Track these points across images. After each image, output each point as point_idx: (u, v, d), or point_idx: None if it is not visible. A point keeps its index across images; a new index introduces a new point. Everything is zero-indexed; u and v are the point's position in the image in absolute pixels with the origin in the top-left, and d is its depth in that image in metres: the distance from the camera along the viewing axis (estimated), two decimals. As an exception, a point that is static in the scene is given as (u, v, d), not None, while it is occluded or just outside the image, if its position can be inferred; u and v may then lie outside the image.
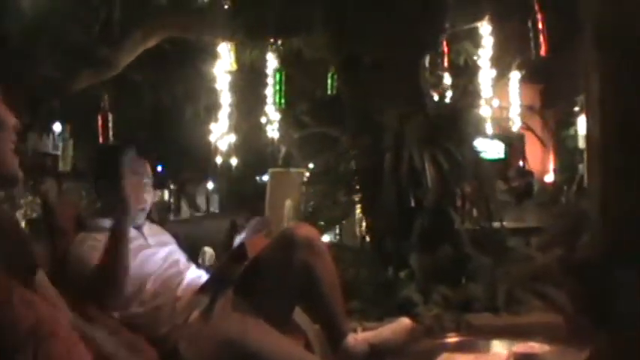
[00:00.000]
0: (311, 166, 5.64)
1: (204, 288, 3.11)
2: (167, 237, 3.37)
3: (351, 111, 4.63)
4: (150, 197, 3.28)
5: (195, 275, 3.24)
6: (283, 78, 7.23)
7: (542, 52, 7.07)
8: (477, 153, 4.56)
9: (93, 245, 2.95)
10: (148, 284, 3.05)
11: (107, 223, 3.05)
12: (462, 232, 4.21)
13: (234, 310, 3.03)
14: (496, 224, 4.70)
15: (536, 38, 6.89)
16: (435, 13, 4.99)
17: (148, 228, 3.29)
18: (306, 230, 3.19)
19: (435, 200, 4.11)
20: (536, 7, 6.64)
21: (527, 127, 9.30)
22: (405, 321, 3.29)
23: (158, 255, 3.18)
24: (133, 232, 3.18)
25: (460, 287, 4.12)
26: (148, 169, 3.30)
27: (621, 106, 3.51)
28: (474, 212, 4.64)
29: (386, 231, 4.30)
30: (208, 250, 5.08)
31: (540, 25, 6.77)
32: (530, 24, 6.78)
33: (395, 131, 4.20)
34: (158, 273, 3.11)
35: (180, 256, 3.29)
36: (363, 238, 4.47)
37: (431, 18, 4.88)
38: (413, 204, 4.16)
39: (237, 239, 3.24)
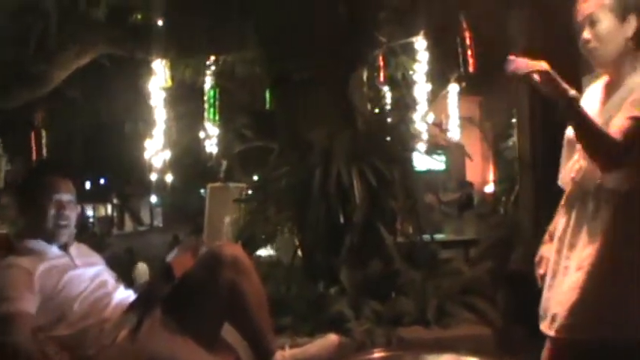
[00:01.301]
0: (256, 178, 5.65)
1: (131, 307, 3.11)
2: (96, 257, 3.36)
3: (282, 127, 4.66)
4: (74, 215, 3.27)
5: (124, 296, 3.24)
6: (217, 94, 7.27)
7: (470, 68, 7.19)
8: (407, 167, 4.60)
9: (12, 277, 2.96)
10: (76, 305, 3.04)
11: (34, 244, 3.05)
12: (391, 246, 4.25)
13: (162, 329, 3.03)
14: (428, 237, 4.75)
15: (465, 55, 7.01)
16: (365, 30, 5.04)
17: (76, 248, 3.27)
18: (232, 249, 3.21)
19: (363, 216, 4.15)
20: (464, 25, 6.74)
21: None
22: (332, 337, 3.31)
23: (85, 276, 3.17)
24: (58, 252, 3.17)
25: (391, 302, 4.16)
26: (72, 187, 3.29)
27: (550, 120, 3.56)
28: (405, 227, 4.69)
29: (316, 247, 4.33)
30: (142, 266, 5.06)
31: (468, 43, 6.89)
32: (458, 41, 6.89)
33: (323, 148, 4.23)
34: (85, 294, 3.10)
35: (109, 277, 3.28)
36: (295, 254, 4.48)
37: (360, 35, 4.93)
38: (342, 220, 4.19)
39: (168, 257, 3.25)
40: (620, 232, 2.85)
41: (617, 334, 2.85)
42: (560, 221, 3.06)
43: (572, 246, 2.95)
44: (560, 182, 3.08)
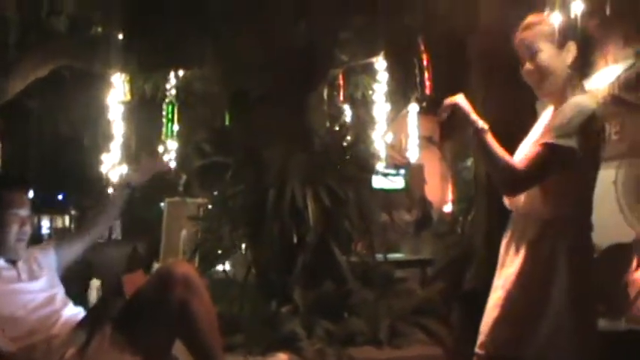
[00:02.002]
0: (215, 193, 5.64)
1: (81, 325, 3.10)
2: (47, 270, 3.35)
3: (238, 145, 4.66)
4: (28, 229, 3.27)
5: (74, 312, 3.23)
6: (174, 109, 7.28)
7: (427, 90, 7.28)
8: (363, 187, 4.63)
9: None
10: (21, 321, 3.02)
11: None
12: (345, 266, 4.27)
13: (111, 347, 3.03)
14: (381, 257, 4.78)
15: (422, 76, 7.10)
16: (325, 49, 5.07)
17: (25, 261, 3.26)
18: (183, 267, 3.21)
19: (317, 236, 4.17)
20: (422, 48, 6.82)
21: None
22: (282, 357, 3.34)
23: (33, 291, 3.16)
24: (4, 265, 3.15)
25: (343, 321, 4.17)
26: (27, 200, 3.28)
27: (505, 143, 3.61)
28: (360, 246, 4.72)
29: (270, 266, 4.35)
30: (95, 282, 5.02)
31: (425, 64, 6.97)
32: (416, 62, 6.98)
33: (279, 167, 4.25)
34: (32, 310, 3.09)
35: (58, 293, 3.27)
36: (249, 272, 4.48)
37: (321, 53, 4.96)
38: (296, 240, 4.21)
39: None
40: (538, 254, 2.94)
41: (529, 351, 2.92)
42: (504, 238, 3.15)
43: (502, 265, 3.05)
44: (505, 203, 3.17)
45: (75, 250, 3.54)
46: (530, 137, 3.14)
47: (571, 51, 2.99)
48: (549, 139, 2.84)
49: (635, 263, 6.03)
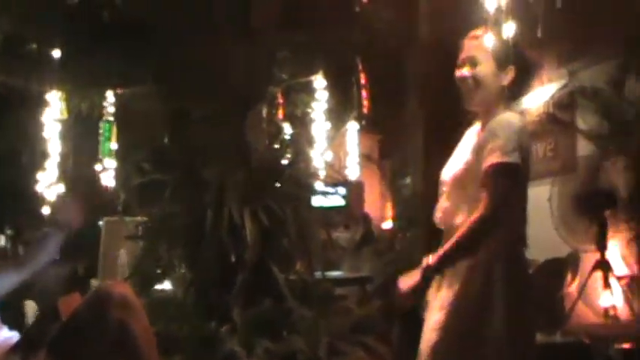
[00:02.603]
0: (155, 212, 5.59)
1: (14, 349, 3.05)
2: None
3: (177, 163, 4.64)
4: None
5: (8, 336, 3.18)
6: (112, 127, 7.22)
7: (364, 109, 7.34)
8: (302, 206, 4.63)
9: None
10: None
11: None
12: (283, 285, 4.27)
13: (46, 372, 2.98)
14: (320, 275, 4.79)
15: (359, 96, 7.15)
16: (265, 67, 5.08)
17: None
18: (119, 288, 3.19)
19: (255, 255, 4.17)
20: (360, 66, 6.88)
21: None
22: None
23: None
24: None
25: (282, 340, 4.16)
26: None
27: (444, 161, 3.65)
28: (300, 265, 4.72)
29: (208, 285, 4.33)
30: (30, 304, 4.95)
31: (363, 83, 7.03)
32: (354, 81, 7.03)
33: (217, 186, 4.24)
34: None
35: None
36: (187, 291, 4.46)
37: (260, 72, 4.97)
38: (234, 259, 4.20)
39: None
40: (476, 273, 2.98)
41: None
42: None
43: (439, 286, 3.08)
44: (435, 221, 3.21)
45: (8, 282, 3.47)
46: (458, 155, 3.19)
47: (509, 74, 3.06)
48: (496, 159, 2.89)
49: (569, 277, 6.15)
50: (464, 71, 3.10)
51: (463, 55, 3.14)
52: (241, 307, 4.18)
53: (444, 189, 3.15)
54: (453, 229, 3.03)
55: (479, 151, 3.00)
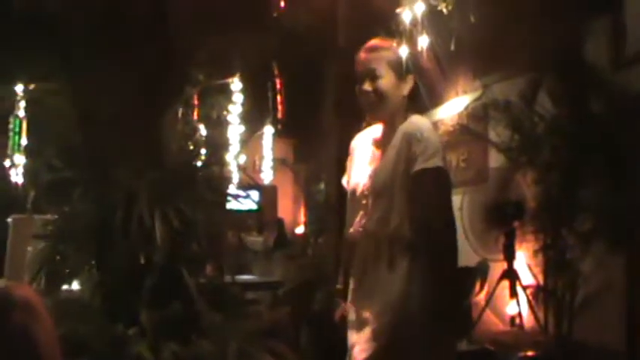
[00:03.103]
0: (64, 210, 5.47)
1: None
2: None
3: (88, 162, 4.55)
4: None
5: None
6: (22, 123, 7.08)
7: (279, 114, 7.37)
8: (213, 208, 4.60)
9: None
10: None
11: None
12: (193, 288, 4.23)
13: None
14: (231, 279, 4.76)
15: (274, 100, 7.18)
16: (181, 68, 5.03)
17: None
18: (23, 291, 3.09)
19: (165, 258, 4.12)
20: (275, 72, 6.90)
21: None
22: (126, 380, 3.26)
23: None
24: None
25: (191, 344, 4.13)
26: None
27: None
28: (211, 268, 4.68)
29: (117, 287, 4.26)
30: None
31: (278, 88, 7.05)
32: (269, 86, 7.05)
33: (128, 187, 4.18)
34: None
35: None
36: (94, 293, 4.37)
37: (176, 72, 4.92)
38: (143, 261, 4.14)
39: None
40: (414, 281, 2.99)
41: None
42: (352, 275, 3.16)
43: (369, 297, 3.06)
44: (346, 237, 3.18)
45: None
46: (365, 165, 3.19)
47: (409, 83, 3.09)
48: (420, 165, 2.91)
49: (478, 286, 6.25)
50: (365, 85, 3.11)
51: (361, 69, 3.14)
52: (150, 309, 4.12)
53: (364, 202, 3.12)
54: (382, 240, 3.02)
55: (402, 158, 3.00)
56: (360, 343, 3.09)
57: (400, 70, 3.09)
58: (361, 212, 3.14)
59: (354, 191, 3.20)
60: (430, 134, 3.00)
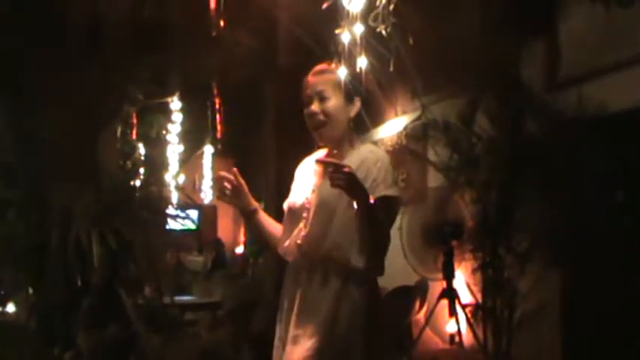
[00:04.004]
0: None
1: None
2: None
3: (23, 183, 4.48)
4: None
5: None
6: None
7: (218, 134, 7.35)
8: (151, 229, 4.56)
9: None
10: None
11: None
12: (130, 310, 4.18)
13: None
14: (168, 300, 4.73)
15: (214, 120, 7.16)
16: (120, 86, 5.00)
17: None
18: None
19: (102, 279, 4.07)
20: (215, 92, 6.88)
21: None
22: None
23: None
24: None
25: (129, 366, 4.09)
26: None
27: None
28: (149, 290, 4.64)
29: (53, 309, 4.19)
30: None
31: (217, 108, 7.04)
32: (209, 106, 7.04)
33: (64, 207, 4.12)
34: None
35: None
36: (30, 315, 4.29)
37: (115, 90, 4.88)
38: (80, 283, 4.08)
39: None
40: (349, 300, 2.99)
41: None
42: (286, 292, 3.14)
43: (301, 315, 3.04)
44: (281, 252, 3.18)
45: None
46: (304, 182, 3.19)
47: (356, 106, 3.11)
48: (382, 192, 2.94)
49: (417, 305, 6.28)
50: (312, 107, 3.11)
51: (309, 92, 3.14)
52: (87, 331, 4.06)
53: (304, 215, 3.12)
54: (317, 257, 3.02)
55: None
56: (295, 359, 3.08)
57: (348, 92, 3.10)
58: (300, 225, 3.13)
59: (293, 206, 3.20)
60: (389, 165, 3.04)
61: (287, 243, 3.13)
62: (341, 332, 2.97)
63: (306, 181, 3.19)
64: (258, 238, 2.87)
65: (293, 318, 3.06)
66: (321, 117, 3.07)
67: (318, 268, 3.01)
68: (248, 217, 3.20)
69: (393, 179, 2.99)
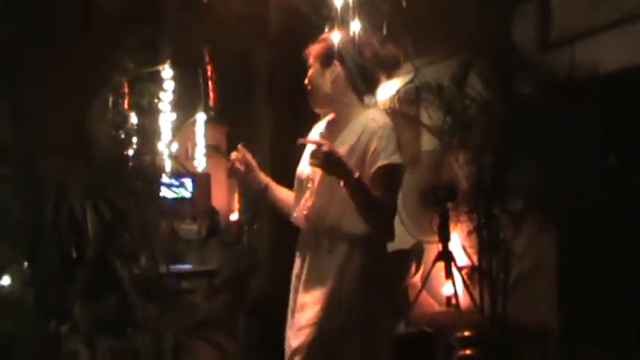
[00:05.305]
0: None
1: None
2: None
3: (15, 157, 4.44)
4: None
5: None
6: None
7: (210, 102, 7.31)
8: (145, 198, 4.54)
9: None
10: None
11: None
12: (127, 280, 4.17)
13: None
14: (165, 269, 4.71)
15: (206, 87, 7.12)
16: (111, 55, 4.95)
17: None
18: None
19: (97, 250, 4.05)
20: (207, 59, 6.84)
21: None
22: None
23: None
24: None
25: (127, 337, 4.08)
26: None
27: (289, 156, 3.65)
28: (144, 259, 4.62)
29: (48, 282, 4.17)
30: None
31: (210, 75, 7.00)
32: (200, 73, 6.99)
33: (57, 180, 4.09)
34: None
35: None
36: (26, 289, 4.28)
37: (106, 60, 4.83)
38: (75, 255, 4.06)
39: None
40: (354, 268, 3.00)
41: None
42: (296, 259, 3.18)
43: (308, 282, 3.07)
44: (293, 221, 3.20)
45: None
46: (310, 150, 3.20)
47: (334, 70, 3.11)
48: (384, 161, 2.94)
49: (414, 268, 6.31)
50: (306, 79, 3.20)
51: (307, 65, 3.24)
52: (83, 304, 4.05)
53: (309, 185, 3.14)
54: (323, 227, 3.04)
55: (359, 150, 3.02)
56: (294, 328, 3.10)
57: (324, 59, 3.13)
58: (306, 195, 3.15)
59: (301, 175, 3.22)
60: (391, 132, 3.05)
61: (295, 214, 3.16)
62: (345, 301, 2.99)
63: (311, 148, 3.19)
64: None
65: (301, 285, 3.10)
66: (308, 87, 3.14)
67: (325, 236, 3.05)
68: (261, 194, 3.24)
69: (395, 147, 3.00)
